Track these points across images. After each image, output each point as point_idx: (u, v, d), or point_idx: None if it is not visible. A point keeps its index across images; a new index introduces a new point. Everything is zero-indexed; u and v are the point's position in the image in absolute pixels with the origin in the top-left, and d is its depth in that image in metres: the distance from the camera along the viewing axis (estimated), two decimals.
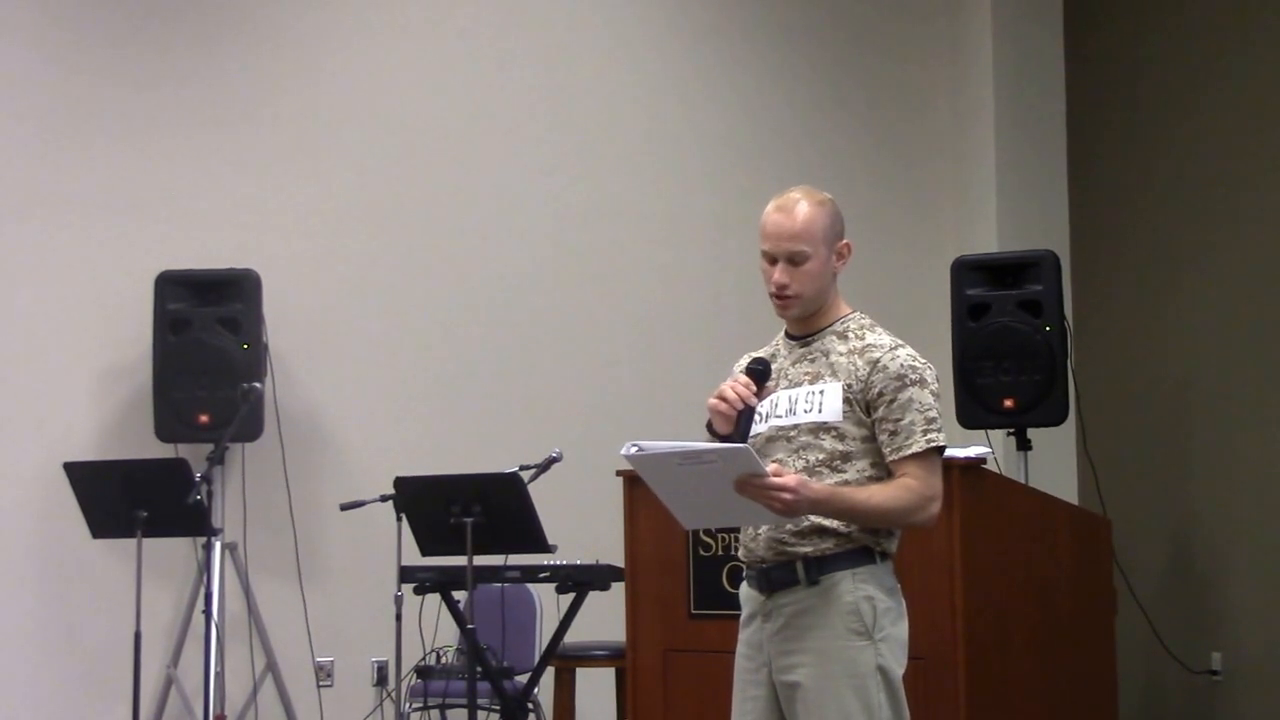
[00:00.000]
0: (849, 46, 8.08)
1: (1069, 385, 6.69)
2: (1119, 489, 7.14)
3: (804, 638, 3.71)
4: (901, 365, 3.75)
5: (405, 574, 5.98)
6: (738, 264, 7.36)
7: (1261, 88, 7.22)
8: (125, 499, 6.10)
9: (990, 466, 5.38)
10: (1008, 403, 6.64)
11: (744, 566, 3.87)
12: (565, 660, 6.22)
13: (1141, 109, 7.77)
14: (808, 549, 3.72)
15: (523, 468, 5.92)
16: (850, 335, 3.83)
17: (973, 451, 5.16)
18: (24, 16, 7.17)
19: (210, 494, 6.45)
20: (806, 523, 3.70)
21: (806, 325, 3.87)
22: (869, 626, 3.69)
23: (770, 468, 3.60)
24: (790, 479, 3.58)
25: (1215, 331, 7.32)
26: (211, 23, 7.35)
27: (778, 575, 3.75)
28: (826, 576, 3.70)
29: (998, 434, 6.79)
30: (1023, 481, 6.40)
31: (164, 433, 6.79)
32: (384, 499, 5.99)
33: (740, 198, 7.51)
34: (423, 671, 6.14)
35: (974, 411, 6.71)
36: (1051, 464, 7.11)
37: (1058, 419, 6.69)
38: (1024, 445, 6.77)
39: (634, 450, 3.57)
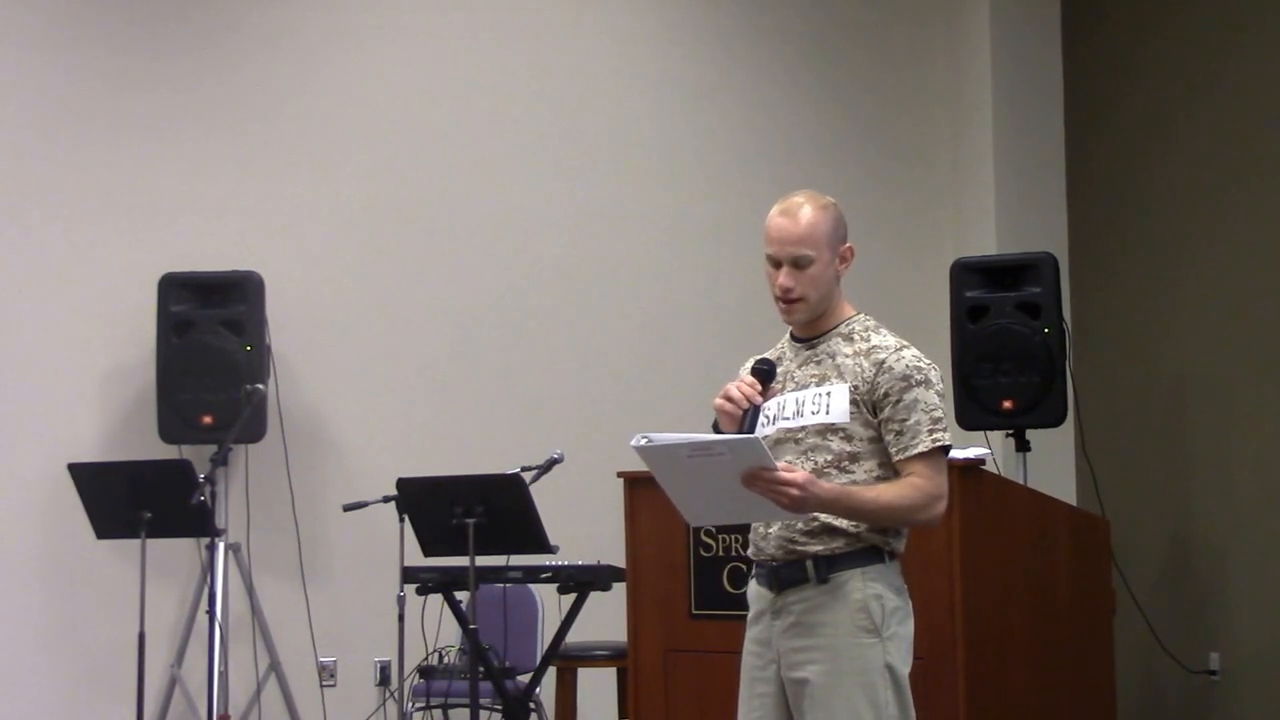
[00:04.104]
0: (848, 51, 8.10)
1: (1068, 387, 6.71)
2: (1117, 490, 7.16)
3: (813, 635, 3.73)
4: (907, 366, 3.78)
5: (408, 574, 6.00)
6: (738, 267, 7.39)
7: (1258, 89, 7.24)
8: (129, 500, 6.12)
9: (989, 467, 5.39)
10: (1007, 404, 6.66)
11: (753, 564, 3.89)
12: (567, 660, 6.24)
13: (1139, 111, 7.79)
14: (818, 548, 3.74)
15: (524, 469, 5.93)
16: (856, 337, 3.85)
17: (972, 453, 5.17)
18: (25, 19, 7.18)
19: (214, 495, 6.46)
20: (816, 522, 3.73)
21: (812, 328, 3.89)
22: (878, 625, 3.72)
23: (780, 465, 3.61)
24: (799, 475, 3.59)
25: (1214, 333, 7.34)
26: (215, 25, 7.37)
27: (787, 573, 3.77)
28: (836, 575, 3.73)
29: (996, 435, 6.81)
30: (1022, 482, 6.42)
31: (167, 434, 6.81)
32: (386, 500, 6.01)
33: (740, 201, 7.54)
34: (425, 671, 6.15)
35: (973, 413, 6.72)
36: (1050, 465, 7.14)
37: (1056, 420, 6.71)
38: (1023, 446, 6.79)
39: (643, 442, 3.56)
